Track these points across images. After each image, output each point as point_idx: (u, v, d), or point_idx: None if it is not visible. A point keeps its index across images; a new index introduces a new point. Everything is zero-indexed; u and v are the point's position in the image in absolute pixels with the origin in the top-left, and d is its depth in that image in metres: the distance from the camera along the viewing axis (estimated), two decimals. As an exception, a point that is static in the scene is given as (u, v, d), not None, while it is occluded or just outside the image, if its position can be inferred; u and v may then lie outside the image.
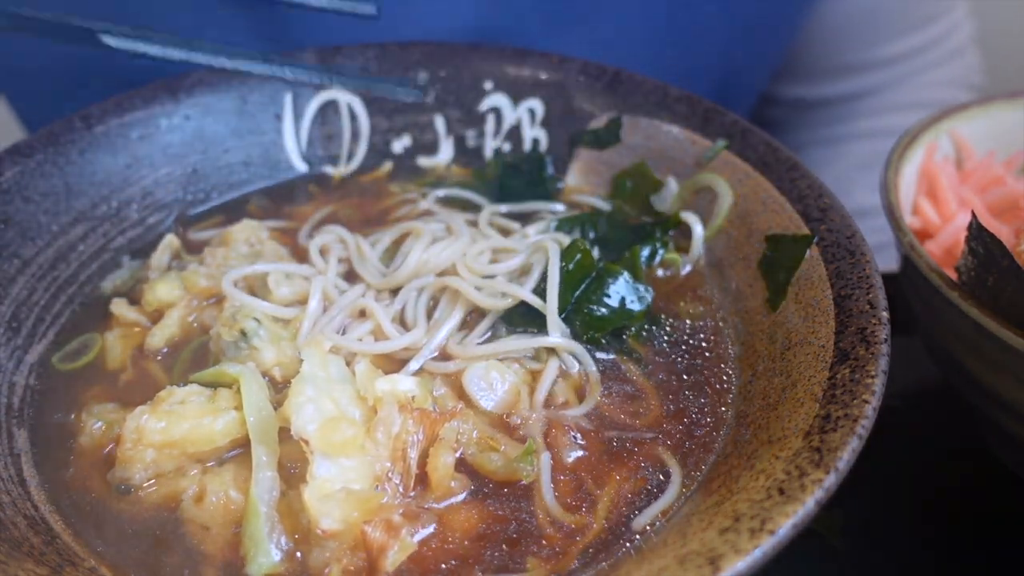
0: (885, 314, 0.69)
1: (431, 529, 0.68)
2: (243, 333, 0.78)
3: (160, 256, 0.91)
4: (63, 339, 0.84)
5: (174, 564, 0.66)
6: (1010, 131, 0.99)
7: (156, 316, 0.84)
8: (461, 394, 0.76)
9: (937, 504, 0.90)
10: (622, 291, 0.83)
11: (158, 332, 0.83)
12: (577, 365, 0.79)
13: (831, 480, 0.58)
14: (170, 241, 0.92)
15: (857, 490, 0.66)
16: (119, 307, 0.85)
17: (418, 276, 0.84)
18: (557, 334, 0.79)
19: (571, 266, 0.83)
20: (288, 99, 1.02)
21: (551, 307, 0.80)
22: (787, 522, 0.56)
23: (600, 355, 0.80)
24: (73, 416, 0.76)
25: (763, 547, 0.55)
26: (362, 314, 0.82)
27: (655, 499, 0.69)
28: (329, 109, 1.04)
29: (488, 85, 1.04)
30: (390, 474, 0.68)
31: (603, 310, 0.82)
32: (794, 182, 0.83)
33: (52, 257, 0.86)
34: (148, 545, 0.67)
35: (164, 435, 0.69)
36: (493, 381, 0.76)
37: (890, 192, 0.87)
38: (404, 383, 0.73)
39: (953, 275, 0.80)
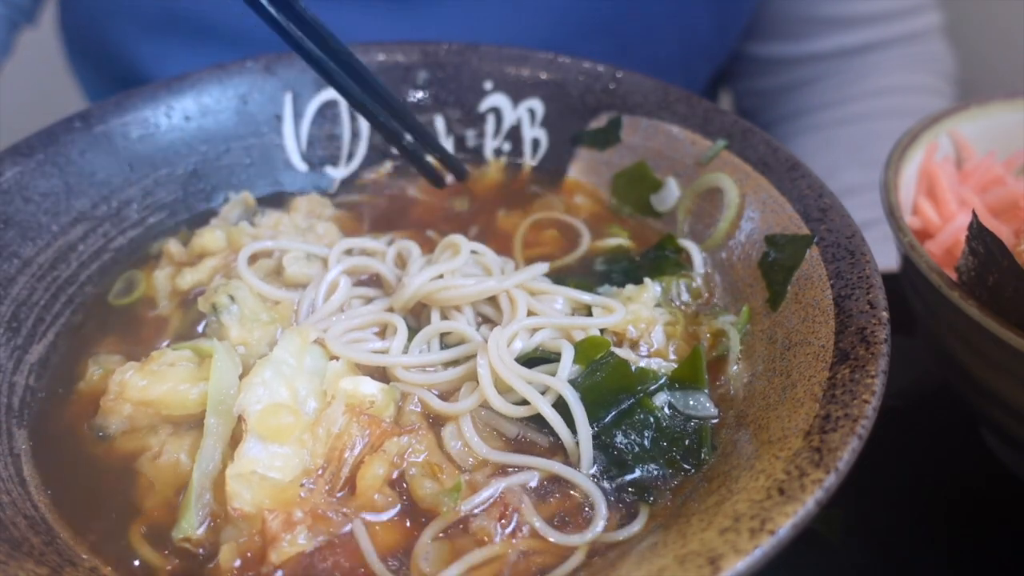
0: (885, 314, 0.69)
1: (343, 531, 0.65)
2: (214, 307, 0.79)
3: (231, 209, 0.94)
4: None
5: (111, 512, 0.68)
6: (1010, 131, 0.99)
7: (198, 262, 0.88)
8: (433, 424, 0.73)
9: (937, 504, 0.90)
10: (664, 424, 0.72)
11: (188, 274, 0.86)
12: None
13: (831, 480, 0.58)
14: (244, 197, 0.96)
15: (857, 490, 0.66)
16: (173, 245, 0.89)
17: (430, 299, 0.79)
18: (587, 470, 0.69)
19: (599, 375, 0.72)
20: (288, 99, 1.02)
21: (584, 443, 0.69)
22: (787, 522, 0.56)
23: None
24: (78, 370, 0.79)
25: (763, 547, 0.55)
26: (382, 332, 0.80)
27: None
28: (329, 109, 1.04)
29: (488, 85, 1.04)
30: (321, 471, 0.68)
31: (636, 448, 0.70)
32: (794, 182, 0.83)
33: (52, 257, 0.86)
34: (97, 490, 0.70)
35: (143, 393, 0.72)
36: (474, 447, 0.71)
37: (890, 192, 0.87)
38: (367, 386, 0.72)
39: (953, 275, 0.80)
